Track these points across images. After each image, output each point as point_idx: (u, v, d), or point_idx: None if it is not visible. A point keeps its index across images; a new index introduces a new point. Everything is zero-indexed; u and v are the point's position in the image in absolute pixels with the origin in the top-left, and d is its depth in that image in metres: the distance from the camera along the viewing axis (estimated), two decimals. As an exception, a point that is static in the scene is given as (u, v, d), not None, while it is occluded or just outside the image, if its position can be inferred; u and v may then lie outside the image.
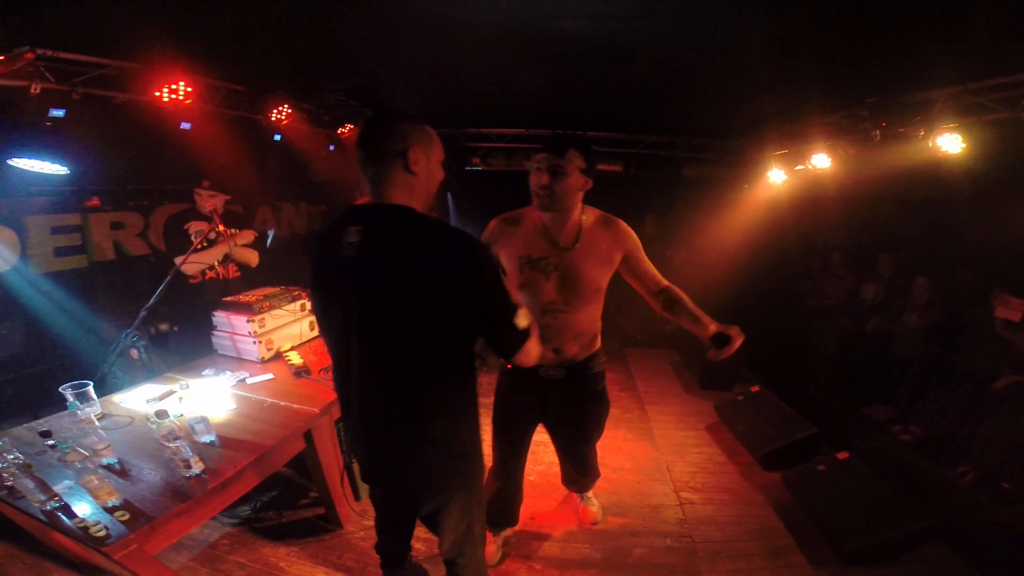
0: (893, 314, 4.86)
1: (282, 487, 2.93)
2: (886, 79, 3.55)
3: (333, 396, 2.47)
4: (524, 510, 2.57)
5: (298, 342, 3.08)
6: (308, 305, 3.23)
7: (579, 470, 2.62)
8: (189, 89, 3.49)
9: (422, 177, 1.36)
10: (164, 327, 3.43)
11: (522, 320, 1.36)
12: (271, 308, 2.94)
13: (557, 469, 2.76)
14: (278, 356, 2.93)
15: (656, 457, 3.58)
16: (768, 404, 3.94)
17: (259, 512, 2.74)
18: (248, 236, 3.52)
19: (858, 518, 2.61)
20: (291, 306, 3.07)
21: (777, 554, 2.63)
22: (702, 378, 5.01)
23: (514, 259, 1.92)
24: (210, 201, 3.24)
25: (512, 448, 2.31)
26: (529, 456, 2.44)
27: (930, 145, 3.70)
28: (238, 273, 3.40)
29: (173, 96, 3.44)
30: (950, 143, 3.62)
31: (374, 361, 1.36)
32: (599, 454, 2.60)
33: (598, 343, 2.13)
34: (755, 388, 4.21)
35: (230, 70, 3.83)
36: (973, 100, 3.45)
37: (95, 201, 3.11)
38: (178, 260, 3.04)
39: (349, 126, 5.36)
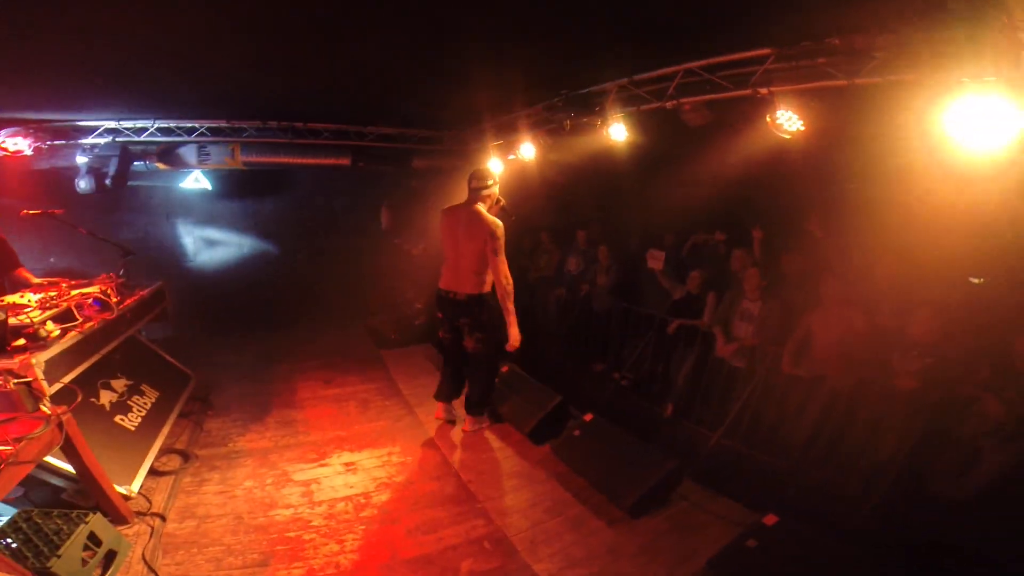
0: (590, 279, 5.86)
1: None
2: (576, 73, 3.86)
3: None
4: (328, 549, 2.63)
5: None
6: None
7: None
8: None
9: None
10: None
11: None
12: None
13: (341, 506, 3.00)
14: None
15: (440, 460, 3.53)
16: (519, 381, 4.19)
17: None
18: None
19: (621, 474, 3.00)
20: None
21: (578, 524, 2.85)
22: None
23: None
24: None
25: None
26: (310, 493, 3.08)
27: (604, 134, 4.20)
28: None
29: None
30: (617, 132, 4.12)
31: None
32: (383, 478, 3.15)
33: None
34: (504, 368, 4.34)
35: None
36: (635, 92, 3.91)
37: None
38: None
39: None
